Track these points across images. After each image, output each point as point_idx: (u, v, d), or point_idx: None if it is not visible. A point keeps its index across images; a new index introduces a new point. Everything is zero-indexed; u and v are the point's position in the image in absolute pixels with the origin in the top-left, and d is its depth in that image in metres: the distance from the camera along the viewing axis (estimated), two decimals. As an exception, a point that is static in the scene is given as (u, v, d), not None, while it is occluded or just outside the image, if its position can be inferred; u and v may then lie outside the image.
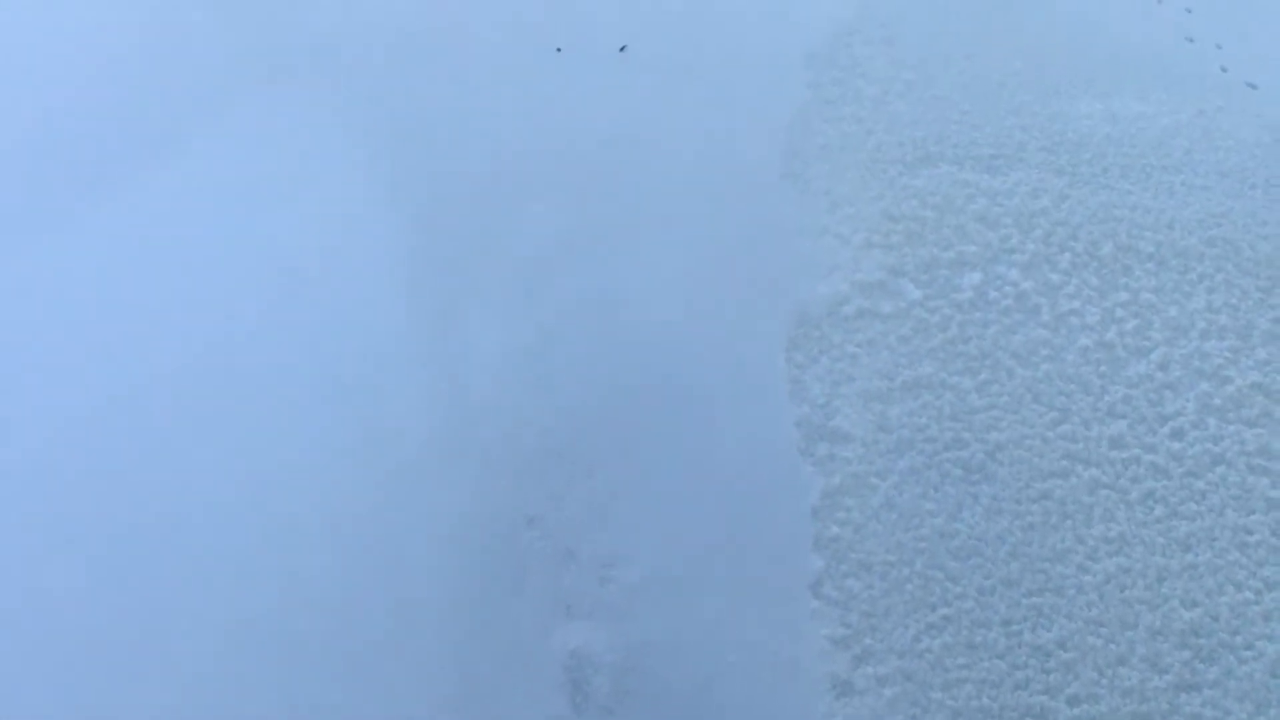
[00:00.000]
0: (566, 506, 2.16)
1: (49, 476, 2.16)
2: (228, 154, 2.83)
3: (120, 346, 2.41)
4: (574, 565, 2.08)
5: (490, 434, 2.28)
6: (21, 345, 2.42)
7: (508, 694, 1.91)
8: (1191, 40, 3.21)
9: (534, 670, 1.93)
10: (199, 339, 2.43)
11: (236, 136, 2.87)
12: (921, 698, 1.91)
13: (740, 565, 2.07)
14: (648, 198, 2.72)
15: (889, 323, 2.48)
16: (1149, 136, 2.95)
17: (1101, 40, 3.19)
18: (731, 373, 2.38)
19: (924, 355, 2.42)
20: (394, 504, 2.14)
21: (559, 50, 3.10)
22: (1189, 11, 3.28)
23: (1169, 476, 2.22)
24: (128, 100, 2.95)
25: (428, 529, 2.11)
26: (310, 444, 2.25)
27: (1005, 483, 2.20)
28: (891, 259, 2.61)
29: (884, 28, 3.20)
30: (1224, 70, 3.14)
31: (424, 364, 2.41)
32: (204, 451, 2.22)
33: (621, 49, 3.10)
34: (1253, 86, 3.10)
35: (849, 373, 2.39)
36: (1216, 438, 2.30)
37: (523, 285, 2.55)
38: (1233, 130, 2.99)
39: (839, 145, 2.88)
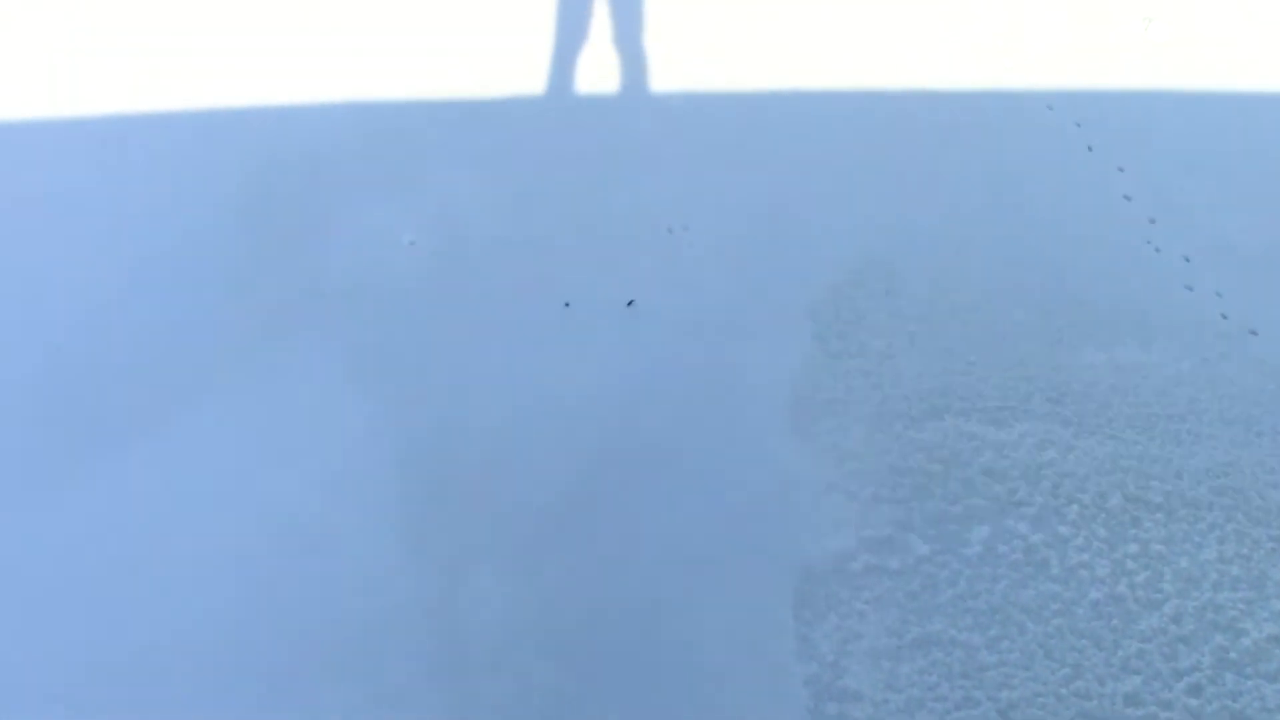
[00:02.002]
0: (573, 773, 2.23)
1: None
2: (236, 409, 3.01)
3: (125, 604, 2.55)
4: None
5: (497, 696, 2.37)
6: (28, 600, 2.56)
7: None
8: (1191, 288, 3.41)
9: None
10: (201, 599, 2.56)
11: (244, 391, 3.06)
12: None
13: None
14: (654, 454, 2.88)
15: (897, 579, 2.59)
16: (1153, 385, 3.11)
17: (1102, 289, 3.39)
18: (738, 630, 2.47)
19: (933, 611, 2.51)
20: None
21: (567, 305, 3.32)
22: (1188, 260, 3.49)
23: (1186, 736, 2.27)
24: (136, 357, 3.16)
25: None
26: (312, 708, 2.34)
27: (1018, 744, 2.26)
28: (899, 514, 2.74)
29: (887, 279, 3.41)
30: (1225, 317, 3.32)
31: (428, 623, 2.52)
32: (211, 715, 2.31)
33: (629, 304, 3.32)
34: (1254, 333, 3.27)
35: (857, 630, 2.48)
36: (1235, 693, 2.36)
37: (529, 544, 2.68)
38: (1236, 377, 3.15)
39: (845, 399, 3.05)
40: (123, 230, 3.53)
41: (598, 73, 4.19)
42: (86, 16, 4.38)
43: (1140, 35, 4.41)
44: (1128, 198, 3.69)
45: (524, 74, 4.18)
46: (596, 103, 4.06)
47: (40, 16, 4.39)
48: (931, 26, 4.44)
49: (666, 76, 4.16)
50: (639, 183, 3.70)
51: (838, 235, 3.53)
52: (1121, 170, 3.79)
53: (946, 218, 3.59)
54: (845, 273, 3.42)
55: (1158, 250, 3.53)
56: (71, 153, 3.81)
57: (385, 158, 3.82)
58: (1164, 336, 3.27)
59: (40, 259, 3.44)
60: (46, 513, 2.77)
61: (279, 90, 4.10)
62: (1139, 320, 3.31)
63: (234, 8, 4.47)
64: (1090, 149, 3.88)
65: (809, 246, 3.49)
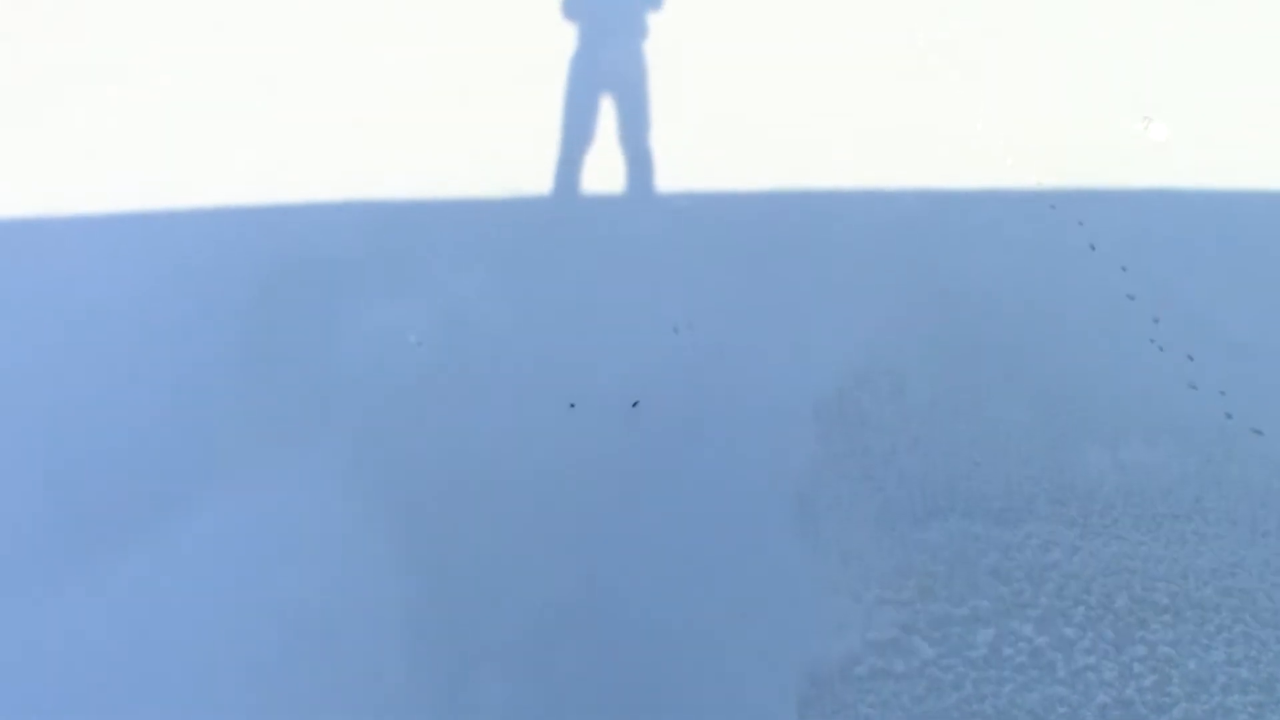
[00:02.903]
0: None
1: None
2: (240, 508, 3.07)
3: (126, 705, 2.58)
4: None
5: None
6: (29, 701, 2.59)
7: None
8: (1195, 387, 3.47)
9: None
10: (202, 699, 2.59)
11: (248, 490, 3.12)
12: None
13: None
14: (658, 555, 2.92)
15: (902, 682, 2.61)
16: (1158, 485, 3.16)
17: (1106, 388, 3.45)
18: (744, 737, 2.50)
19: (938, 715, 2.54)
20: None
21: (572, 406, 3.38)
22: (1191, 359, 3.56)
23: (1195, 845, 2.28)
24: (141, 455, 3.22)
25: None
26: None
27: None
28: (904, 616, 2.78)
29: (891, 378, 3.47)
30: (1229, 416, 3.38)
31: (435, 730, 2.55)
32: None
33: (634, 405, 3.38)
34: (1258, 432, 3.33)
35: (863, 735, 2.50)
36: (1245, 801, 2.37)
37: (532, 644, 2.72)
38: (1241, 477, 3.19)
39: (849, 500, 3.10)
40: (127, 329, 3.61)
41: (603, 172, 4.30)
42: (91, 116, 4.52)
43: (1139, 134, 4.53)
44: (1131, 296, 3.77)
45: (530, 173, 4.30)
46: (602, 202, 4.16)
47: (42, 116, 4.52)
48: (934, 127, 4.57)
49: (671, 176, 4.28)
50: (644, 281, 3.79)
51: (841, 335, 3.60)
52: (1124, 269, 3.88)
53: (949, 317, 3.67)
54: (849, 372, 3.48)
55: (1161, 349, 3.60)
56: (78, 252, 3.91)
57: (392, 255, 3.92)
58: (1168, 435, 3.32)
59: (44, 358, 3.51)
60: (48, 611, 2.81)
61: (286, 188, 4.21)
62: (1143, 419, 3.36)
63: (240, 104, 4.60)
64: (1093, 248, 3.97)
65: (813, 346, 3.56)
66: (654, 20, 5.23)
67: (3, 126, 4.46)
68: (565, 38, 5.14)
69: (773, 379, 3.46)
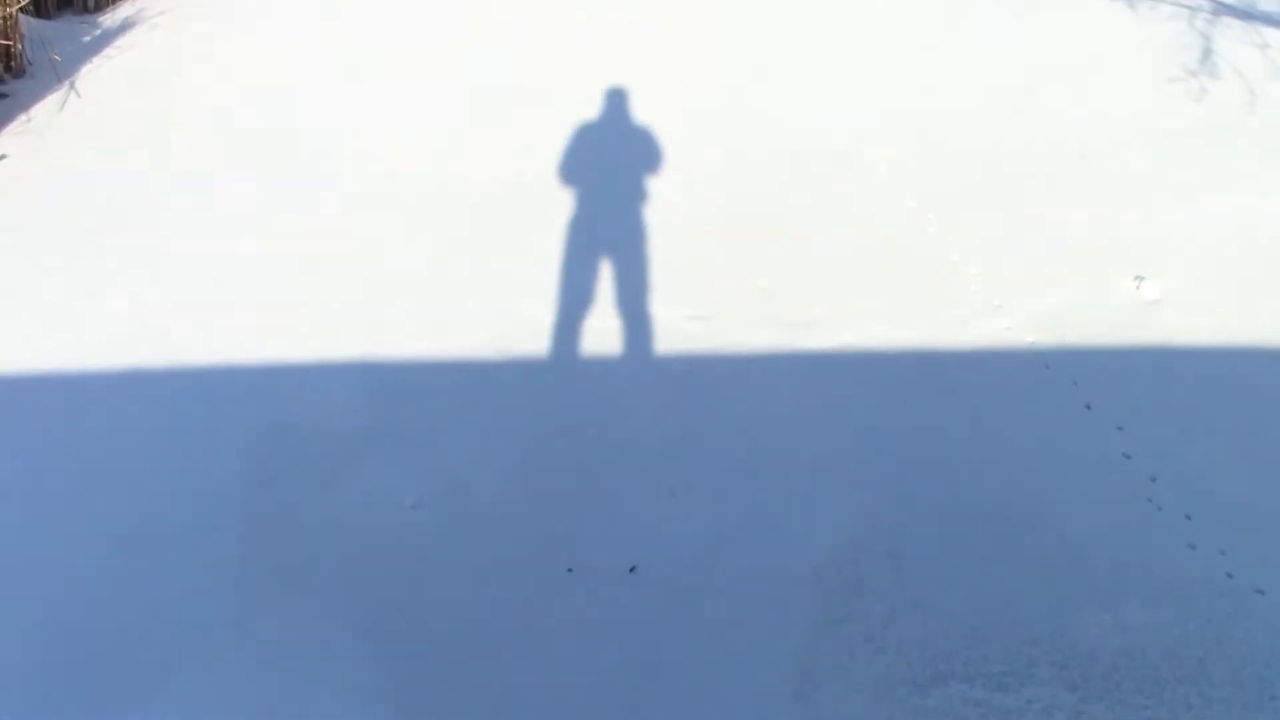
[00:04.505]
0: None
1: None
2: (237, 671, 3.11)
3: None
4: None
5: None
6: None
7: None
8: (1194, 547, 3.53)
9: None
10: None
11: (246, 652, 3.17)
12: None
13: None
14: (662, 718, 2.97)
15: None
16: (1160, 647, 3.20)
17: (1104, 549, 3.51)
18: None
19: None
20: None
21: (570, 570, 3.45)
22: (1189, 518, 3.62)
23: None
24: (138, 619, 3.27)
25: None
26: None
27: None
28: (904, 784, 2.80)
29: (889, 542, 3.54)
30: (1230, 576, 3.43)
31: None
32: None
33: (631, 570, 3.45)
34: (1261, 592, 3.38)
35: None
36: None
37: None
38: (1246, 638, 3.23)
39: (848, 665, 3.14)
40: (125, 491, 3.68)
41: (601, 336, 4.43)
42: (90, 278, 4.67)
43: (1132, 294, 4.68)
44: (1127, 456, 3.86)
45: (529, 337, 4.42)
46: (600, 365, 4.29)
47: (42, 280, 4.68)
48: (930, 289, 4.71)
49: (668, 339, 4.40)
50: (640, 445, 3.89)
51: (838, 498, 3.68)
52: (1120, 429, 3.98)
53: (947, 479, 3.75)
54: (846, 536, 3.55)
55: (1159, 509, 3.67)
56: (81, 411, 4.01)
57: (391, 418, 4.02)
58: (1169, 596, 3.37)
59: (45, 517, 3.59)
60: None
61: (284, 346, 4.34)
62: (1143, 580, 3.42)
63: (239, 269, 4.75)
64: (1089, 407, 4.08)
65: (810, 510, 3.64)
66: (652, 180, 5.42)
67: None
68: (564, 193, 5.32)
69: (771, 543, 3.52)
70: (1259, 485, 3.75)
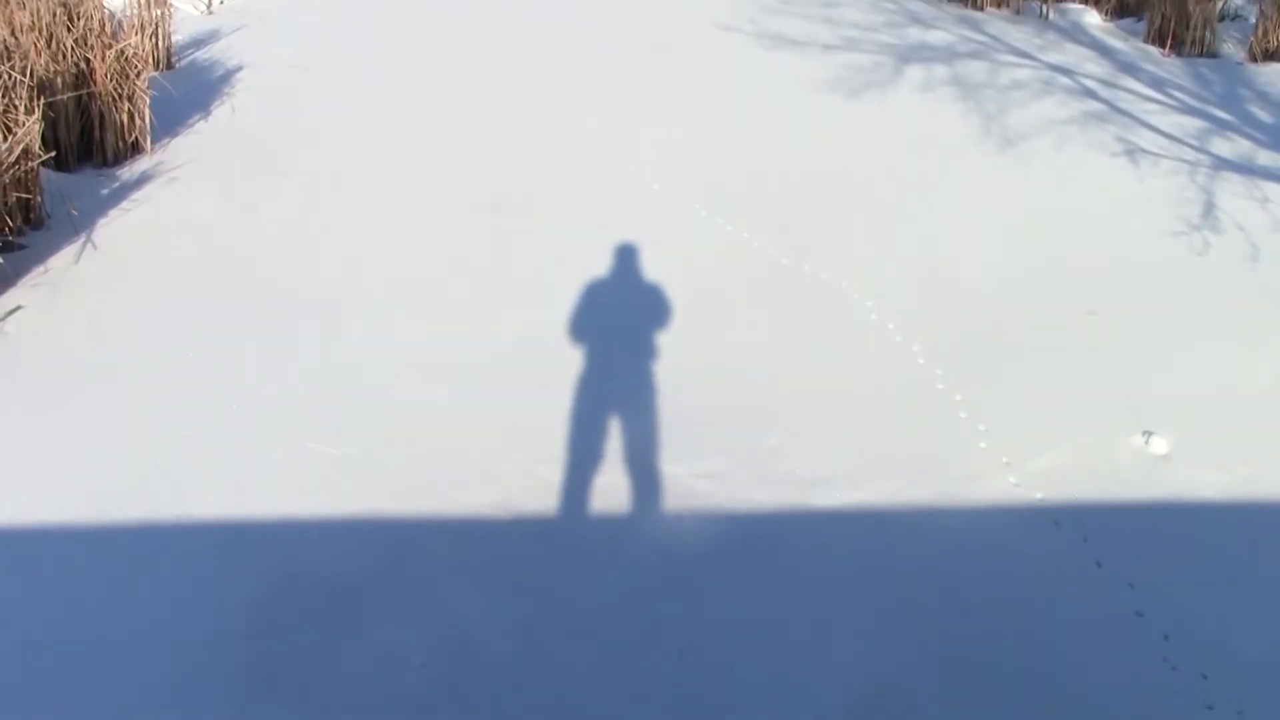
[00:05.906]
0: None
1: None
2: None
3: None
4: None
5: None
6: None
7: None
8: (1211, 707, 3.53)
9: None
10: None
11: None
12: None
13: None
14: None
15: None
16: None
17: (1119, 708, 3.51)
18: None
19: None
20: None
21: None
22: (1205, 678, 3.63)
23: None
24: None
25: None
26: None
27: None
28: None
29: (900, 699, 3.54)
30: (1247, 730, 3.44)
31: None
32: None
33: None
34: (1278, 754, 3.38)
35: None
36: None
37: None
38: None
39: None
40: (123, 649, 3.66)
41: (610, 493, 4.47)
42: (99, 429, 4.74)
43: (1140, 448, 4.75)
44: (1139, 614, 3.89)
45: (536, 493, 4.47)
46: (608, 523, 4.33)
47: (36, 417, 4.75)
48: (935, 447, 4.79)
49: (676, 497, 4.46)
50: (651, 604, 3.91)
51: (849, 655, 3.70)
52: (1132, 585, 4.01)
53: (956, 637, 3.77)
54: (857, 693, 3.56)
55: (1174, 668, 3.68)
56: (82, 563, 4.04)
57: (397, 574, 4.04)
58: (1188, 760, 3.37)
59: (40, 672, 3.59)
60: None
61: (288, 501, 4.38)
62: (1160, 743, 3.42)
63: (245, 422, 4.82)
64: (1099, 564, 4.12)
65: (820, 667, 3.65)
66: (664, 337, 5.53)
67: None
68: (573, 351, 5.43)
69: (781, 701, 3.53)
70: (1276, 642, 3.77)
